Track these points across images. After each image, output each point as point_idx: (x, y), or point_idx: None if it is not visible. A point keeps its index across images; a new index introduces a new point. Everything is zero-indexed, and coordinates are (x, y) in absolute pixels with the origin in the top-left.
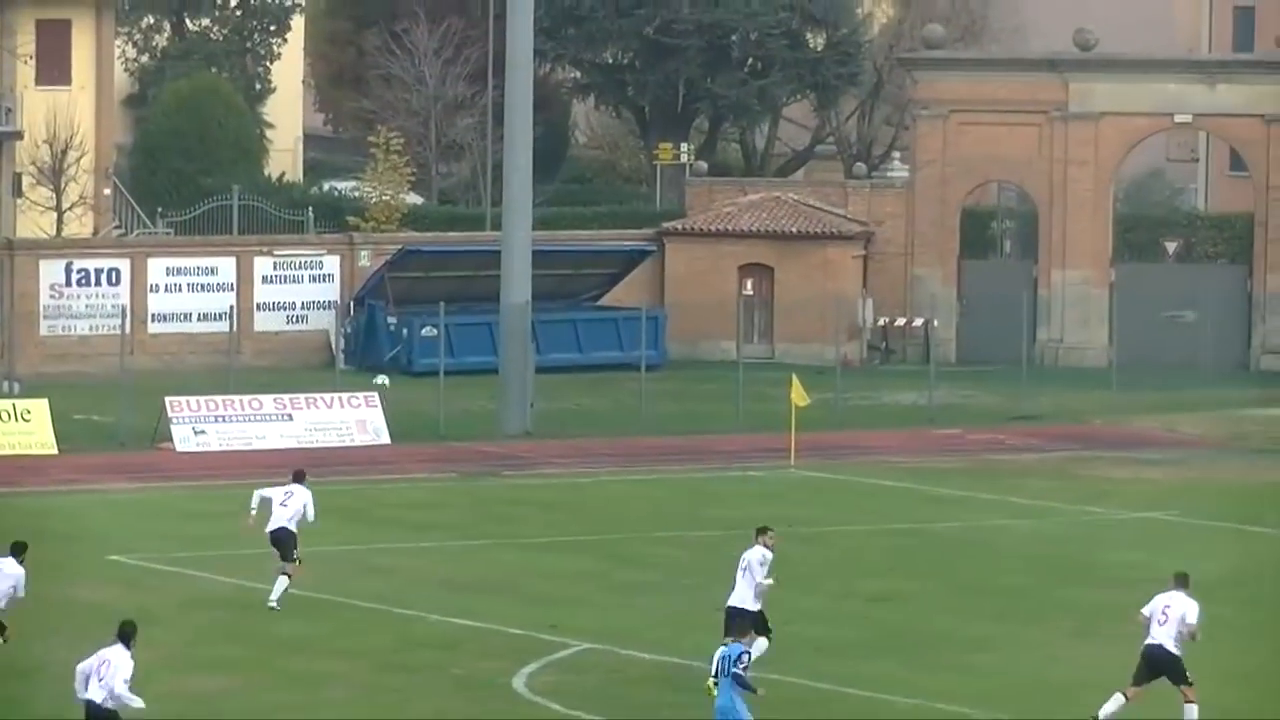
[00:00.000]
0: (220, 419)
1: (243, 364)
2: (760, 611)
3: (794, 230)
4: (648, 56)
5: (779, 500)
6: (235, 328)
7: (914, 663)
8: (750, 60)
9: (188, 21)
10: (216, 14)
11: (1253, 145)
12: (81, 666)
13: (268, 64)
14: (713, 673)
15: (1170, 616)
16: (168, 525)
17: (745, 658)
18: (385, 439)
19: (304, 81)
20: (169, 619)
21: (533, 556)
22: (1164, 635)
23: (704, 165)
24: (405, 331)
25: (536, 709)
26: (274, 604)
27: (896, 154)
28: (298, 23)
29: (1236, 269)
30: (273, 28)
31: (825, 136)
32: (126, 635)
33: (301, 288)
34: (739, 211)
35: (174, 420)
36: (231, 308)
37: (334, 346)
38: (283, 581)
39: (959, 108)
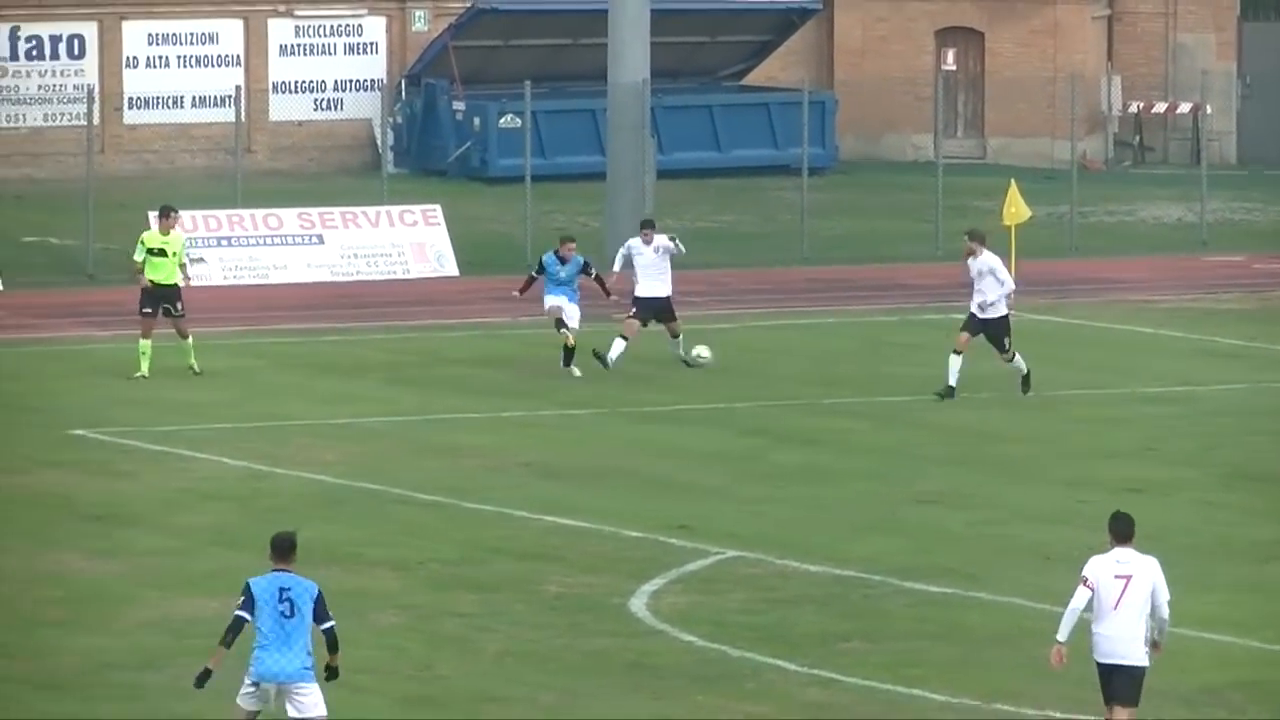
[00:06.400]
0: (224, 242)
1: (255, 166)
2: None
3: None
4: None
5: (991, 354)
6: (244, 117)
7: (1181, 579)
8: None
9: None
10: None
11: None
12: None
13: None
14: None
15: (1131, 595)
16: (151, 388)
17: None
18: (451, 269)
19: None
20: (153, 517)
21: (655, 431)
22: (1124, 628)
23: None
24: (477, 121)
25: (662, 639)
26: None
27: None
28: None
29: None
30: None
31: None
32: None
33: (334, 61)
34: None
35: None
36: (238, 89)
37: (379, 143)
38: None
39: None
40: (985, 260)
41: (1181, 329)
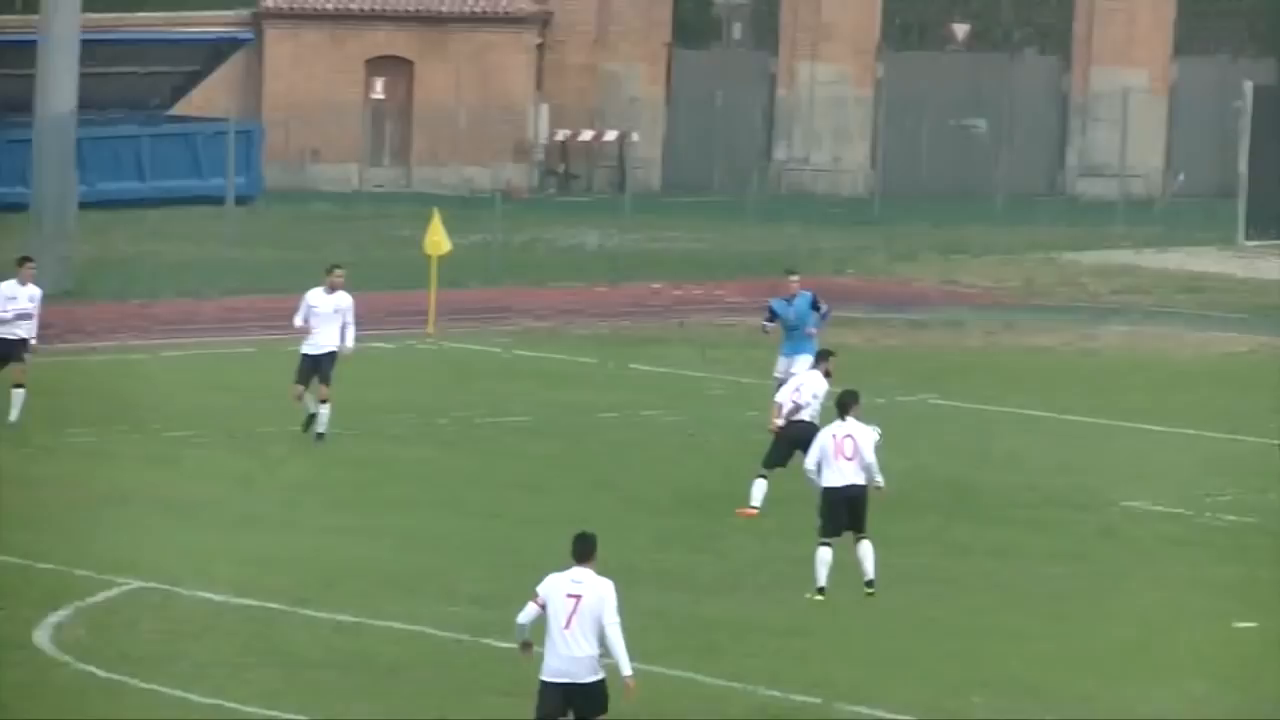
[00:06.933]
0: None
1: None
2: None
3: (444, 10)
4: None
5: (409, 384)
6: None
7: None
8: None
9: None
10: None
11: None
12: None
13: None
14: None
15: (581, 615)
16: None
17: None
18: None
19: None
20: None
21: (62, 465)
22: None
23: None
24: None
25: (64, 672)
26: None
27: None
28: None
29: (1048, 62)
30: None
31: None
32: None
33: None
34: None
35: None
36: None
37: None
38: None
39: None
40: (348, 299)
41: (597, 355)
